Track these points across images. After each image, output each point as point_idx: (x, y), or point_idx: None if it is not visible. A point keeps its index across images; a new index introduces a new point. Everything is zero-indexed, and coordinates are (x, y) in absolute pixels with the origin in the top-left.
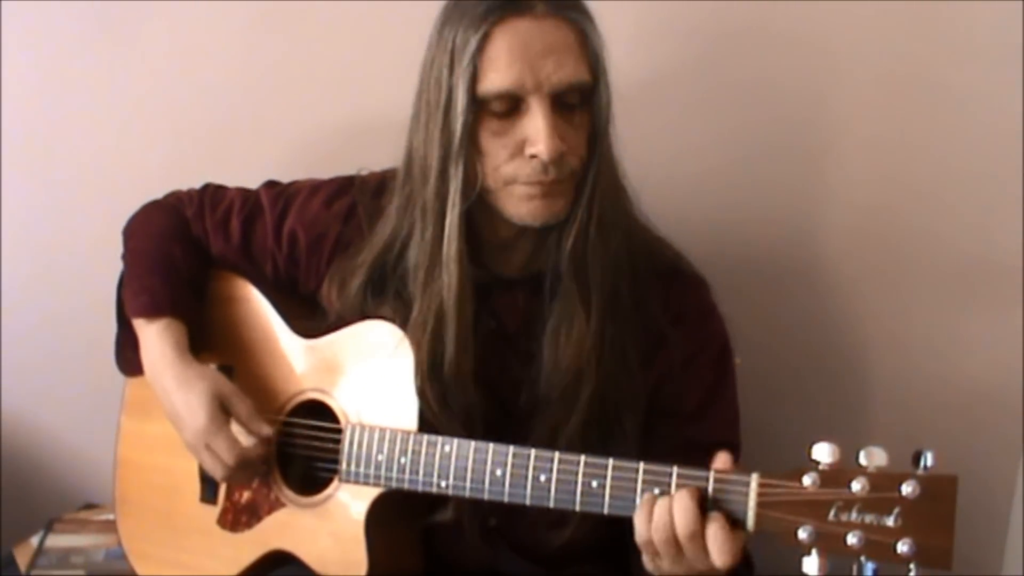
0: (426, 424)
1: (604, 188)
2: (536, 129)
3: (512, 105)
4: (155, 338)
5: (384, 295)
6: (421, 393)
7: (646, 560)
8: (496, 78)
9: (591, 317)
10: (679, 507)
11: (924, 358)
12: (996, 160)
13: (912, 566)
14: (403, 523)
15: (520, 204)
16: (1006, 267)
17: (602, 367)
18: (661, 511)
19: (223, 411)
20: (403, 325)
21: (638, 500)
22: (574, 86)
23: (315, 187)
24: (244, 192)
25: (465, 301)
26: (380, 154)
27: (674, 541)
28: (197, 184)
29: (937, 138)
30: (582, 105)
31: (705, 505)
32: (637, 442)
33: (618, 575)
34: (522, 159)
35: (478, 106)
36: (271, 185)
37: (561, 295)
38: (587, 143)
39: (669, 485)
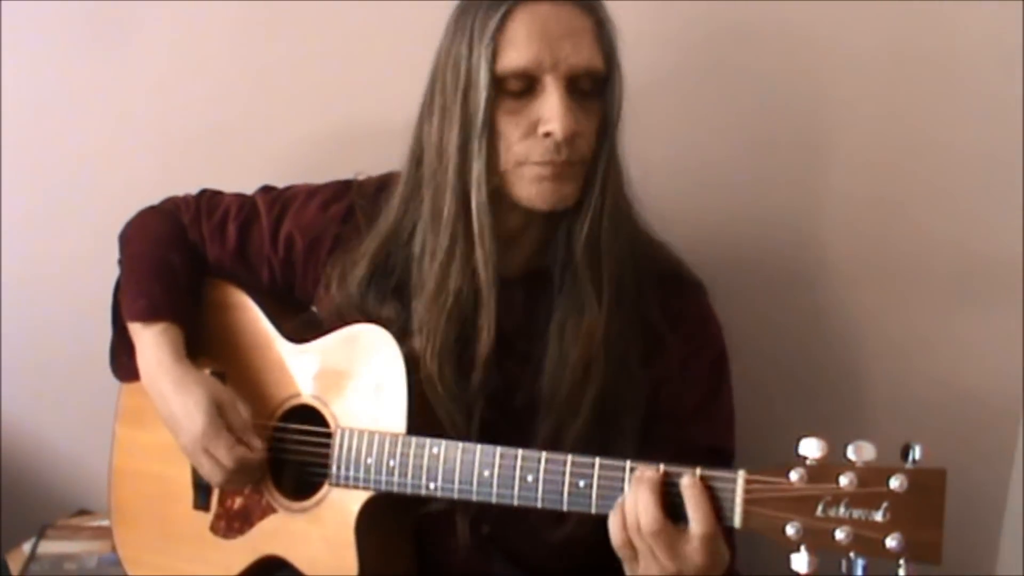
0: (416, 426)
1: (615, 179)
2: (551, 107)
3: (528, 85)
4: (151, 342)
5: (386, 292)
6: (429, 379)
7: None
8: (515, 56)
9: (602, 306)
10: (642, 503)
11: (920, 357)
12: (995, 158)
13: (901, 561)
14: (394, 527)
15: (530, 185)
16: (1004, 266)
17: (609, 364)
18: (629, 507)
19: (221, 416)
20: (403, 325)
21: None
22: (589, 71)
23: (312, 191)
24: (240, 197)
25: (495, 280)
26: (375, 159)
27: (642, 538)
28: (194, 189)
29: (935, 137)
30: (594, 94)
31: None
32: (636, 445)
33: None
34: (535, 138)
35: (495, 85)
36: (267, 190)
37: (571, 285)
38: (596, 134)
39: None
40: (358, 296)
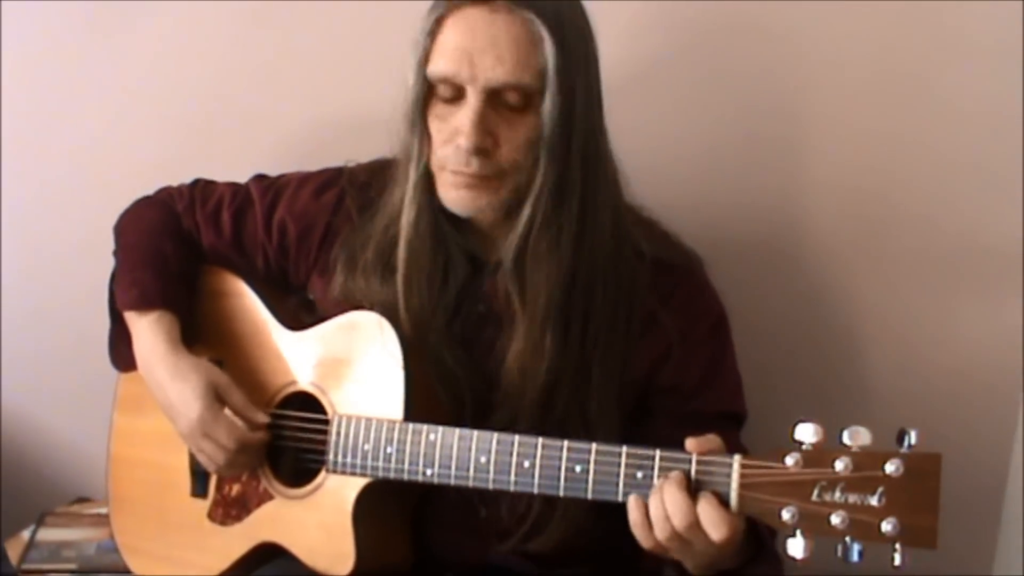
0: (413, 412)
1: (557, 198)
2: (463, 118)
3: (456, 92)
4: (146, 331)
5: (389, 272)
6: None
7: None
8: (439, 63)
9: (529, 334)
10: (670, 500)
11: (919, 345)
12: (993, 147)
13: (897, 546)
14: (392, 514)
15: (448, 191)
16: (1002, 254)
17: (561, 386)
18: (656, 509)
19: (218, 400)
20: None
21: (621, 484)
22: (510, 86)
23: (304, 179)
24: (234, 186)
25: (418, 272)
26: (369, 148)
27: (676, 535)
28: (189, 179)
29: (933, 125)
30: (524, 107)
31: (691, 488)
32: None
33: None
34: (453, 146)
35: (428, 87)
36: (260, 178)
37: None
38: (533, 148)
39: (652, 468)
40: (365, 276)
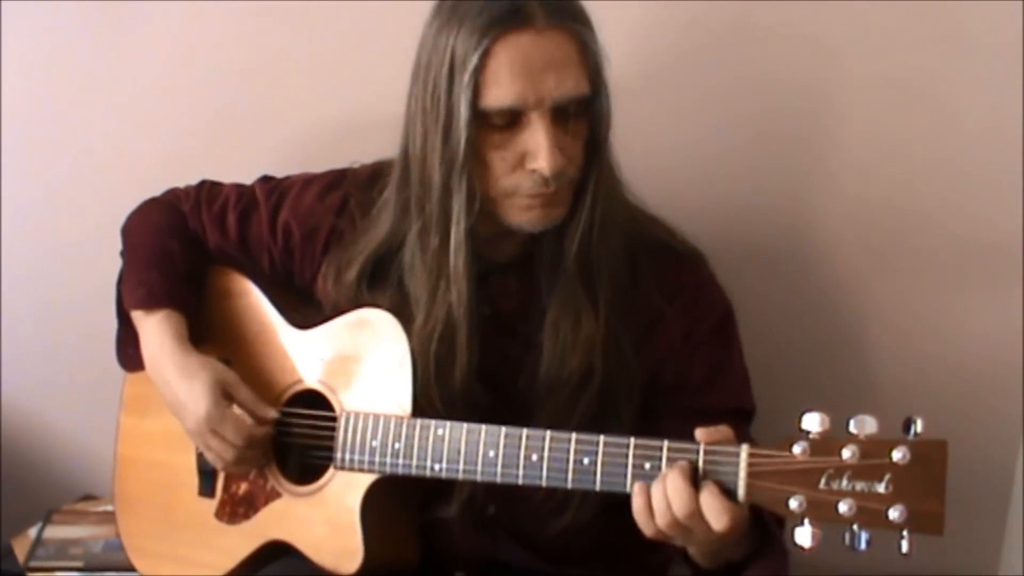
0: (420, 410)
1: (605, 192)
2: (537, 144)
3: (513, 119)
4: (154, 329)
5: (380, 285)
6: (427, 397)
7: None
8: (498, 94)
9: (599, 317)
10: (672, 488)
11: (923, 342)
12: (995, 145)
13: (904, 533)
14: (399, 511)
15: (520, 214)
16: (1005, 250)
17: (607, 363)
18: (658, 497)
19: (226, 397)
20: (400, 313)
21: (629, 475)
22: (575, 99)
23: (308, 180)
24: (240, 187)
25: (473, 311)
26: (376, 148)
27: (676, 523)
28: (195, 178)
29: (935, 125)
30: (580, 114)
31: (696, 478)
32: (634, 429)
33: None
34: (522, 172)
35: (480, 120)
36: (266, 180)
37: (565, 293)
38: (585, 149)
39: (660, 459)
40: (353, 293)
